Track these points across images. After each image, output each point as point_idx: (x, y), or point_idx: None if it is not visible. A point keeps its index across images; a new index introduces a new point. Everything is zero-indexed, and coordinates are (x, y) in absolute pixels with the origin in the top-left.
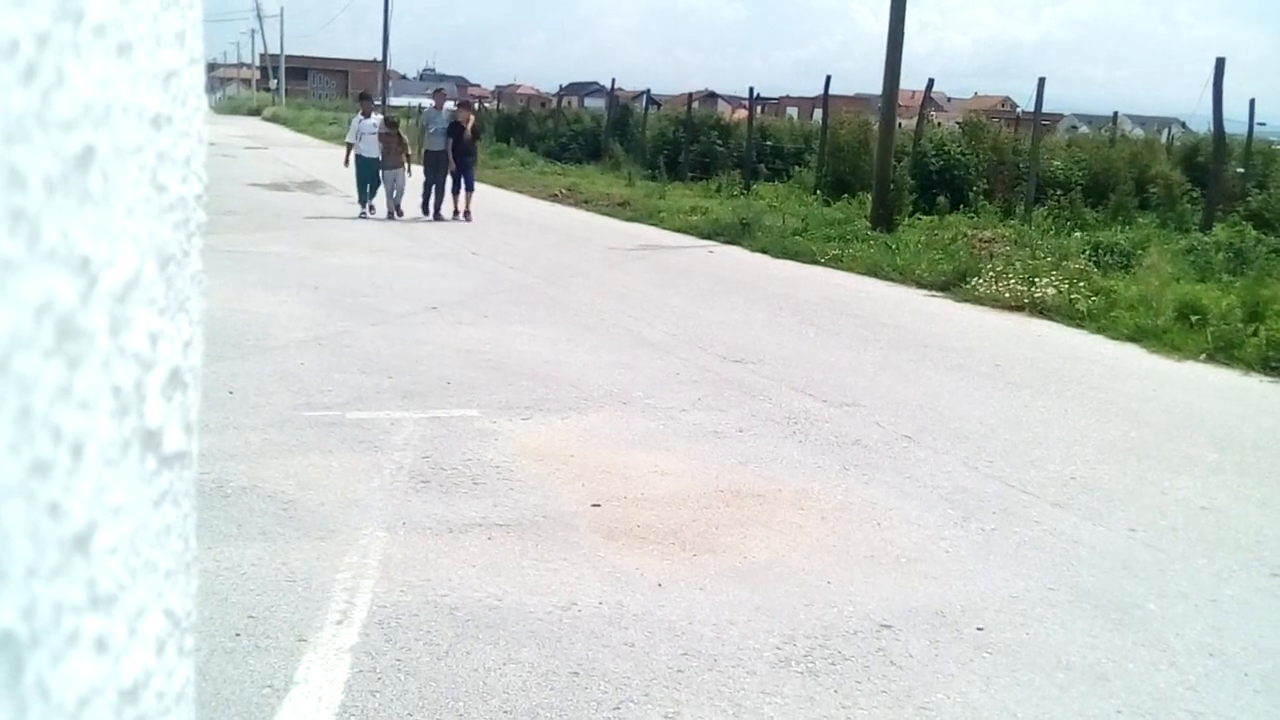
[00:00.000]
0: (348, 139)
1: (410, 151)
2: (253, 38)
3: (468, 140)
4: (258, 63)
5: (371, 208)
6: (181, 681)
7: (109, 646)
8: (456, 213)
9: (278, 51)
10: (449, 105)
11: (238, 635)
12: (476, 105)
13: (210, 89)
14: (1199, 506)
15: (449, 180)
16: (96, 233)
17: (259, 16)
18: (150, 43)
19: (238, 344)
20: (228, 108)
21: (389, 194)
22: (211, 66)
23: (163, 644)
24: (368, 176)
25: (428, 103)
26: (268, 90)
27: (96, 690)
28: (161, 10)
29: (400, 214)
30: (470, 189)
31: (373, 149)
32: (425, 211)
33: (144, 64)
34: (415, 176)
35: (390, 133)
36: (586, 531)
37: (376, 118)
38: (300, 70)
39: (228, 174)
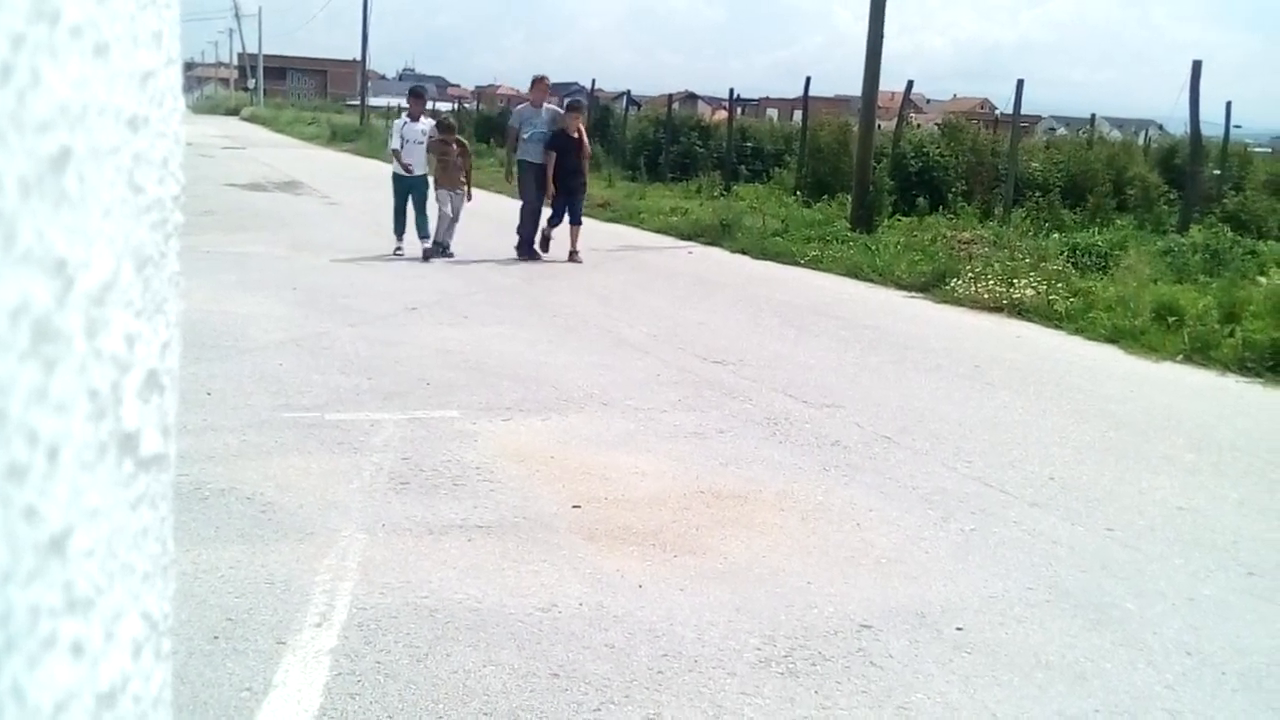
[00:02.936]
0: (392, 146)
1: (470, 168)
2: (230, 37)
3: (577, 156)
4: (236, 62)
5: (404, 248)
6: (159, 685)
7: (86, 650)
8: (548, 243)
9: (256, 51)
10: (548, 105)
11: (216, 638)
12: (583, 107)
13: (188, 89)
14: (1176, 506)
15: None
16: (73, 234)
17: (237, 16)
18: (127, 43)
19: (216, 345)
20: (205, 107)
21: (438, 225)
22: (189, 66)
23: (140, 647)
24: (408, 198)
25: (514, 103)
26: (246, 90)
27: (73, 695)
28: (138, 10)
29: (446, 252)
30: (577, 221)
31: (418, 161)
32: (525, 251)
33: (121, 65)
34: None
35: (445, 140)
36: (567, 533)
37: (427, 122)
38: (279, 70)
39: (205, 174)
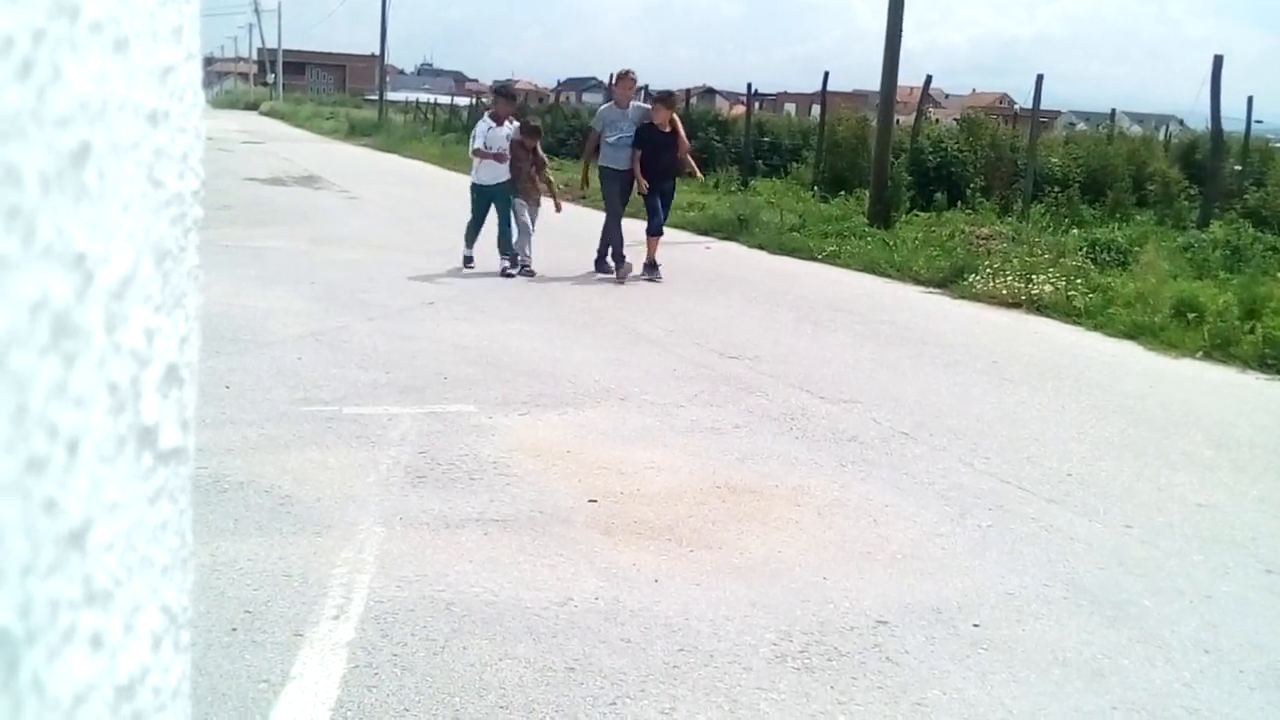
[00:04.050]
0: (473, 148)
1: (552, 176)
2: (250, 32)
3: (671, 154)
4: (255, 57)
5: (504, 263)
6: (178, 677)
7: (105, 643)
8: (617, 258)
9: (275, 46)
10: (636, 104)
11: (234, 630)
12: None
13: (207, 84)
14: (1195, 503)
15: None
16: (92, 229)
17: (256, 11)
18: (147, 38)
19: (234, 339)
20: (225, 102)
21: (519, 236)
22: (209, 61)
23: (159, 640)
24: (489, 210)
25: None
26: (265, 85)
27: (92, 686)
28: (159, 6)
29: (526, 269)
30: (658, 231)
31: (498, 170)
32: (603, 265)
33: (141, 60)
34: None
35: (525, 144)
36: (583, 527)
37: (512, 127)
38: (298, 65)
39: (225, 169)
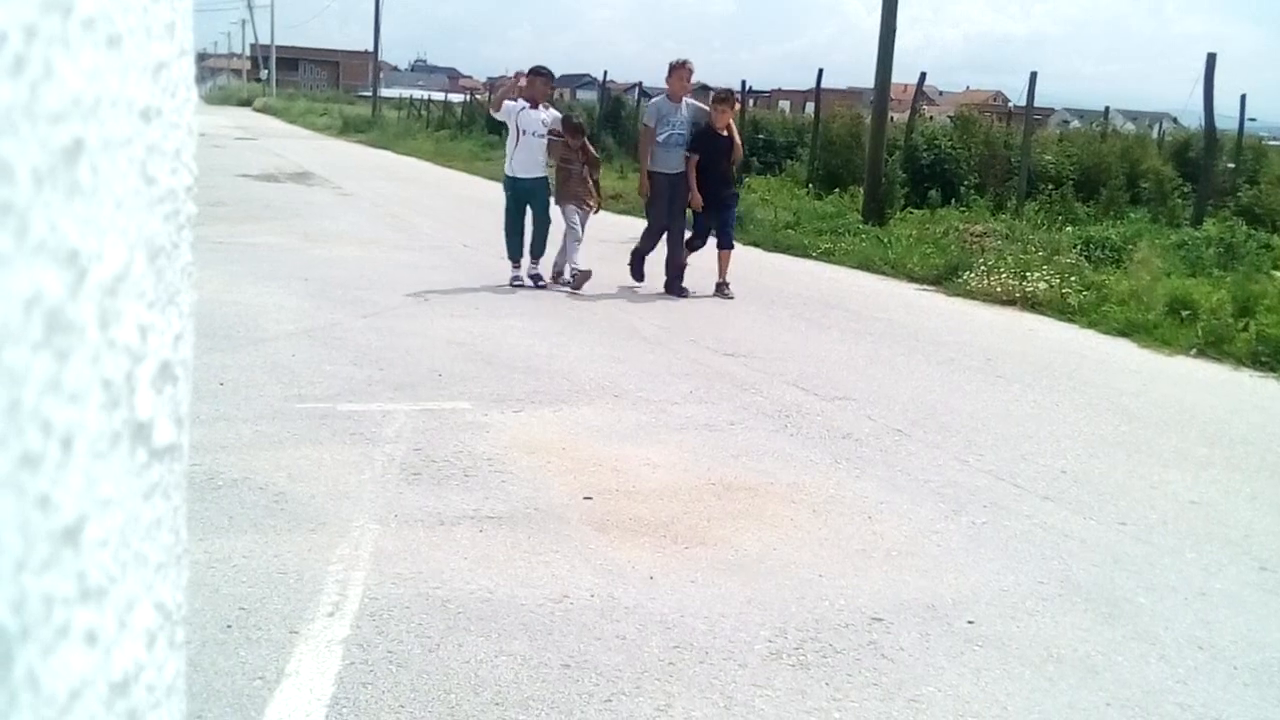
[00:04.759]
0: (500, 116)
1: (598, 176)
2: (243, 28)
3: (728, 160)
4: (248, 53)
5: (524, 277)
6: (172, 674)
7: (99, 639)
8: (682, 272)
9: (268, 42)
10: (689, 100)
11: (229, 627)
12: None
13: (200, 80)
14: (1189, 500)
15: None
16: (85, 225)
17: (249, 6)
18: (140, 35)
19: (228, 336)
20: (218, 98)
21: (568, 243)
22: (202, 57)
23: (153, 636)
24: (526, 208)
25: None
26: (258, 81)
27: (87, 683)
28: (151, 2)
29: (574, 284)
30: (727, 244)
31: (535, 159)
32: (638, 273)
33: (134, 56)
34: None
35: (570, 142)
36: (578, 524)
37: (549, 112)
38: (291, 61)
39: (218, 165)
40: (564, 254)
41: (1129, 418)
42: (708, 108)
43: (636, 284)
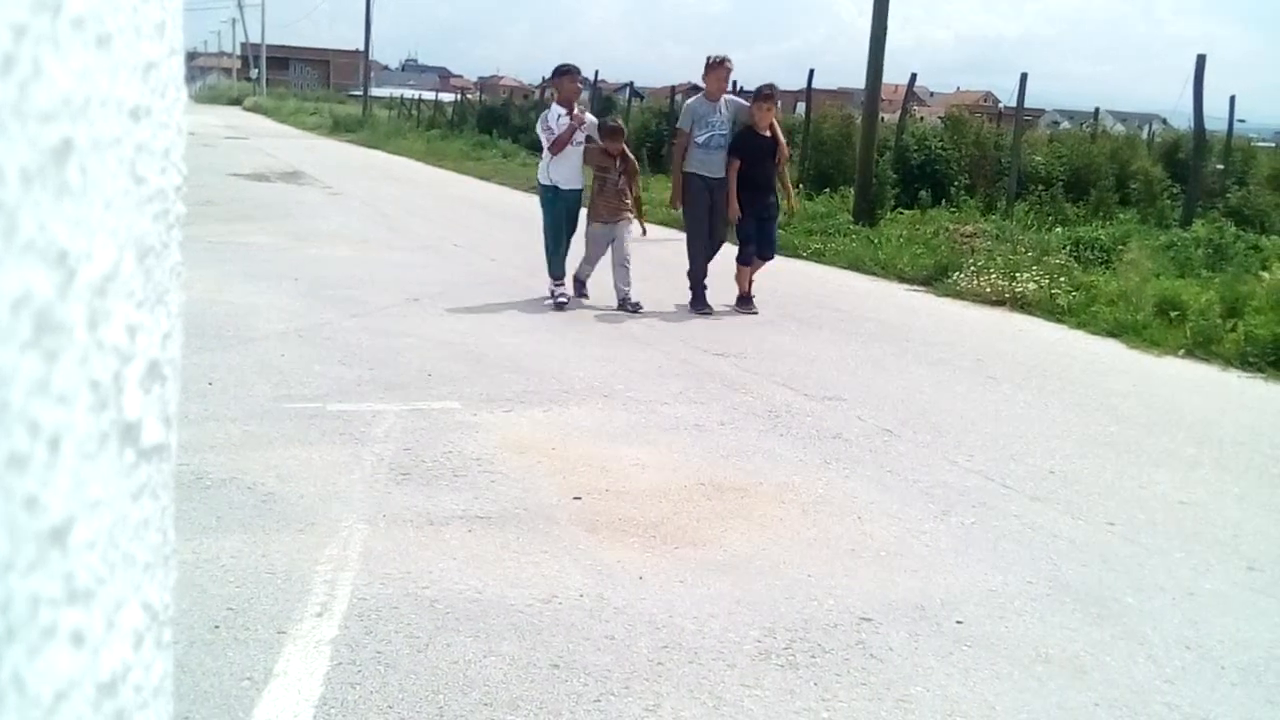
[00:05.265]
0: (552, 136)
1: (639, 191)
2: (233, 26)
3: (771, 164)
4: (238, 52)
5: (570, 292)
6: (160, 674)
7: (86, 640)
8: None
9: (259, 41)
10: (729, 97)
11: (216, 628)
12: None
13: (190, 79)
14: (1177, 501)
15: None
16: (75, 225)
17: (240, 5)
18: (130, 34)
19: (217, 335)
20: (208, 97)
21: (618, 269)
22: (192, 56)
23: (141, 637)
24: (565, 217)
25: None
26: (249, 80)
27: (74, 684)
28: (141, 1)
29: (630, 305)
30: (768, 254)
31: (573, 168)
32: (701, 301)
33: (123, 56)
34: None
35: (609, 148)
36: (568, 524)
37: (588, 117)
38: (281, 60)
39: (208, 164)
40: (588, 264)
41: (1118, 418)
42: (753, 104)
43: (704, 314)
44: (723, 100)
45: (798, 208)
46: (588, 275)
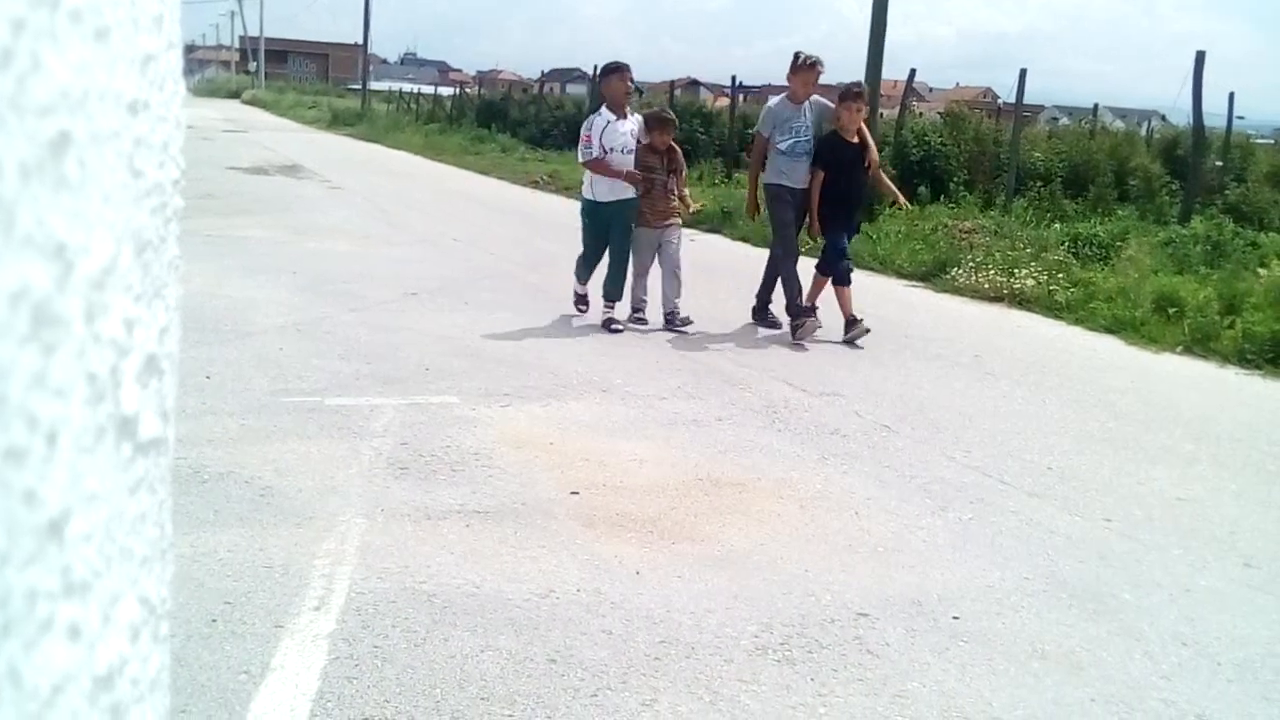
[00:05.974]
0: (585, 156)
1: (684, 190)
2: (232, 19)
3: (860, 177)
4: (237, 45)
5: (618, 316)
6: (156, 668)
7: (83, 634)
8: (763, 310)
9: (257, 34)
10: (816, 99)
11: (214, 621)
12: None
13: (189, 72)
14: (1175, 497)
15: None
16: (73, 219)
17: None
18: (128, 27)
19: (215, 329)
20: (206, 90)
21: (666, 280)
22: (190, 48)
23: (138, 631)
24: (604, 233)
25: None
26: (247, 73)
27: (70, 677)
28: None
29: (679, 321)
30: (844, 278)
31: (620, 183)
32: (766, 315)
33: (121, 49)
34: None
35: (657, 143)
36: (565, 519)
37: (635, 119)
38: (280, 53)
39: (206, 158)
40: (640, 277)
41: (1115, 414)
42: (839, 105)
43: (799, 334)
44: (808, 102)
45: (907, 205)
46: (644, 299)
